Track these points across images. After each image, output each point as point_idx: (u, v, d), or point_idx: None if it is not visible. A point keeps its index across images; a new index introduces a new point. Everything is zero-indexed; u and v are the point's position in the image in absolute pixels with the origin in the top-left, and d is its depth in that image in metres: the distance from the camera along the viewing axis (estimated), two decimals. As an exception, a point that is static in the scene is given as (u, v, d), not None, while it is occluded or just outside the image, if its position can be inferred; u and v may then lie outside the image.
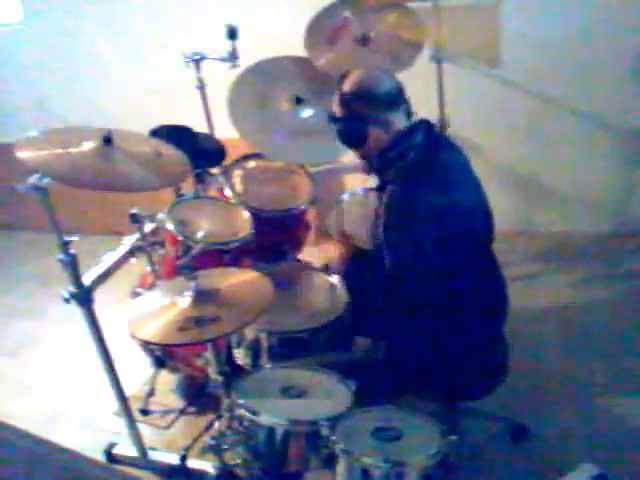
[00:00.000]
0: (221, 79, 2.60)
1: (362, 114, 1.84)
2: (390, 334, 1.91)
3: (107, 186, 1.90)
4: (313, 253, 2.78)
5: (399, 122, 1.87)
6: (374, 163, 1.91)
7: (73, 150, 1.86)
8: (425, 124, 1.89)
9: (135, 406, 2.43)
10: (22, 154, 1.76)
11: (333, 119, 1.90)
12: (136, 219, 2.16)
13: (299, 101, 2.69)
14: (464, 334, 1.84)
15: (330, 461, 1.60)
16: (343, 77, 1.88)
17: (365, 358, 2.01)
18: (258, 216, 2.42)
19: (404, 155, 1.83)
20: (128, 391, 2.15)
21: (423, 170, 1.83)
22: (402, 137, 1.85)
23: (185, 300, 1.75)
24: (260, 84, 2.67)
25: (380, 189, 1.92)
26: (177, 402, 2.60)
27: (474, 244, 1.88)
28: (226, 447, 1.81)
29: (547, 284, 3.13)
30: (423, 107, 1.96)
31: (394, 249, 1.81)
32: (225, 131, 2.70)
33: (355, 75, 1.88)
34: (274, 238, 2.54)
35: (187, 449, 2.20)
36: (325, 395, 1.77)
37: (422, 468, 1.54)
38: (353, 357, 2.04)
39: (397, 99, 1.88)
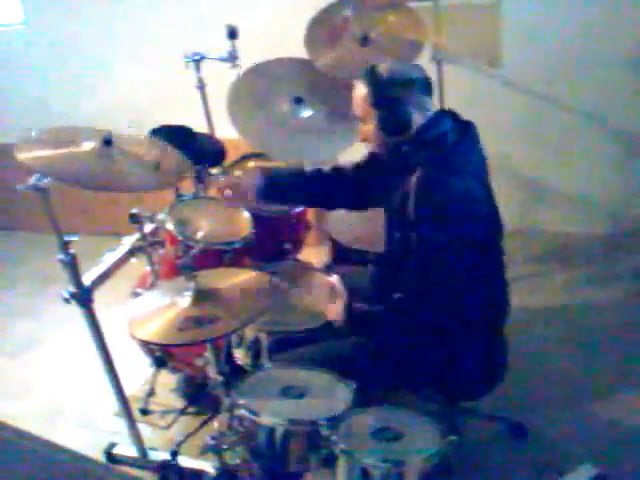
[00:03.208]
0: (221, 79, 2.60)
1: (403, 97, 1.83)
2: (390, 333, 1.90)
3: (106, 187, 1.90)
4: (313, 253, 2.78)
5: (431, 108, 1.88)
6: (406, 146, 1.88)
7: (73, 150, 1.87)
8: (450, 112, 1.91)
9: (135, 406, 2.43)
10: (22, 155, 1.76)
11: (376, 105, 1.85)
12: (136, 219, 2.16)
13: (299, 101, 2.69)
14: (466, 333, 1.83)
15: (330, 461, 1.60)
16: (372, 70, 1.86)
17: (364, 355, 2.00)
18: (258, 216, 2.42)
19: (442, 137, 1.84)
20: (128, 391, 2.15)
21: (457, 154, 1.84)
22: (436, 121, 1.86)
23: (185, 300, 1.75)
24: (260, 84, 2.67)
25: (401, 173, 1.91)
26: (177, 402, 2.60)
27: (492, 234, 1.90)
28: (226, 447, 1.81)
29: (547, 284, 3.13)
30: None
31: (426, 233, 1.80)
32: (225, 131, 2.70)
33: (387, 64, 1.88)
34: (274, 238, 2.54)
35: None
36: (325, 395, 1.77)
37: (422, 468, 1.54)
38: (351, 353, 2.04)
39: (429, 85, 1.89)
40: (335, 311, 1.94)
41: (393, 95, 1.83)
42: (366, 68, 1.89)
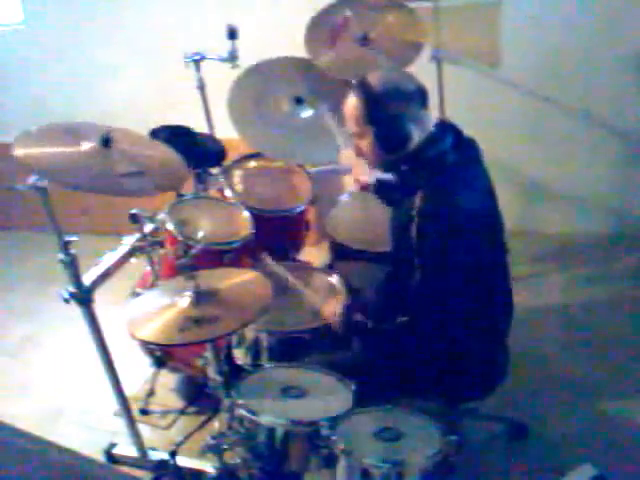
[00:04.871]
0: (221, 79, 2.60)
1: (400, 112, 1.74)
2: (391, 335, 1.90)
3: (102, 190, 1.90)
4: (313, 253, 2.78)
5: (430, 122, 1.80)
6: (404, 165, 1.81)
7: (71, 149, 1.87)
8: (451, 126, 1.83)
9: (135, 406, 2.44)
10: (20, 152, 1.77)
11: (373, 121, 1.76)
12: (136, 219, 2.16)
13: (299, 101, 2.69)
14: (467, 335, 1.83)
15: (330, 461, 1.60)
16: (364, 83, 1.77)
17: (364, 358, 2.00)
18: (258, 216, 2.42)
19: (442, 157, 1.76)
20: (128, 391, 2.15)
21: (459, 172, 1.78)
22: (436, 138, 1.78)
23: (185, 300, 1.75)
24: (260, 84, 2.67)
25: (406, 192, 1.84)
26: (177, 402, 2.60)
27: (497, 246, 1.89)
28: (226, 447, 1.81)
29: (547, 284, 3.13)
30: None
31: (429, 250, 1.75)
32: (225, 131, 2.70)
33: (379, 75, 1.79)
34: (274, 238, 2.54)
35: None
36: (325, 395, 1.77)
37: (422, 468, 1.54)
38: (352, 357, 2.03)
39: (425, 97, 1.80)
40: (331, 313, 1.93)
41: (390, 110, 1.74)
42: (357, 81, 1.80)
